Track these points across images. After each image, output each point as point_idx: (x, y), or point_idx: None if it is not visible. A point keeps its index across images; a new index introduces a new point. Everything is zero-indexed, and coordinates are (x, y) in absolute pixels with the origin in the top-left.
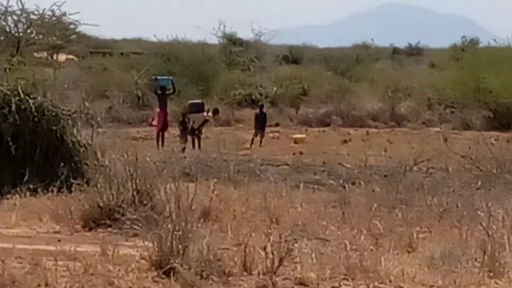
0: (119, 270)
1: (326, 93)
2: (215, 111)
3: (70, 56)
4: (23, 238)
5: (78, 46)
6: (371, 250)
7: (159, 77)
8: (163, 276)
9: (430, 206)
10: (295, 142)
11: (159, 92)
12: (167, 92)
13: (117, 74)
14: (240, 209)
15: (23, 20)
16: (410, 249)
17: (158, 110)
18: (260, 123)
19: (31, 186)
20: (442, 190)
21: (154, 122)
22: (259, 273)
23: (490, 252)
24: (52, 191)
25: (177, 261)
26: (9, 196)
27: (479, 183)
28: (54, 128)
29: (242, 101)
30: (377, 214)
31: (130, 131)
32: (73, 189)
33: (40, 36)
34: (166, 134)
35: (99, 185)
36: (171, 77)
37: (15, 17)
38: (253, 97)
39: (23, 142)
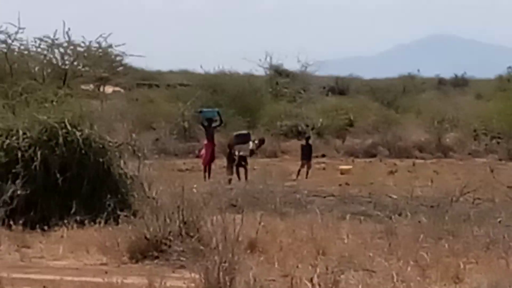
0: None
1: (372, 124)
2: (261, 141)
3: (116, 88)
4: (70, 270)
5: (124, 78)
6: (418, 281)
7: (204, 109)
8: None
9: (476, 237)
10: (341, 173)
11: (205, 124)
12: (214, 124)
13: (164, 106)
14: (287, 240)
15: (70, 52)
16: (457, 280)
17: (205, 142)
18: (306, 154)
19: (78, 218)
20: (489, 221)
21: (201, 153)
22: None
23: None
24: (99, 223)
25: None
26: (56, 228)
27: None
28: (101, 160)
29: (288, 132)
30: (423, 245)
31: (177, 162)
32: (120, 220)
33: (87, 68)
34: (213, 165)
35: (146, 217)
36: (216, 109)
37: (61, 50)
38: (299, 128)
39: (70, 174)
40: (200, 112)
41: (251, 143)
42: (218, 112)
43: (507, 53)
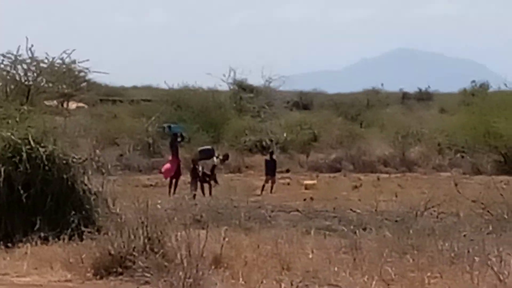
0: None
1: (337, 139)
2: (225, 157)
3: (80, 104)
4: (34, 287)
5: (88, 94)
6: None
7: (172, 125)
8: None
9: (441, 251)
10: (306, 188)
11: (173, 139)
12: (178, 140)
13: (128, 121)
14: (251, 255)
15: (33, 68)
16: None
17: (170, 157)
18: (271, 169)
19: (42, 234)
20: (453, 235)
21: (163, 169)
22: None
23: None
24: (63, 239)
25: None
26: (20, 244)
27: (490, 228)
28: (65, 176)
29: (253, 147)
30: (388, 260)
31: (141, 178)
32: (84, 237)
33: (50, 85)
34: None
35: (110, 233)
36: (181, 125)
37: (25, 66)
38: (263, 143)
39: (34, 191)
40: (168, 127)
41: (215, 158)
42: (182, 128)
43: (472, 67)
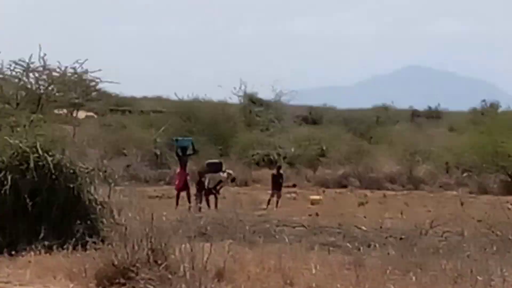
0: None
1: (344, 155)
2: (232, 180)
3: (90, 114)
4: None
5: (98, 103)
6: None
7: (179, 138)
8: None
9: (444, 271)
10: (312, 203)
11: (180, 152)
12: (188, 153)
13: (136, 132)
14: (255, 270)
15: (45, 77)
16: None
17: (178, 170)
18: (277, 183)
19: (46, 243)
20: (457, 255)
21: (176, 182)
22: None
23: None
24: (67, 249)
25: None
26: (24, 252)
27: (495, 248)
28: (71, 185)
29: (260, 161)
30: (391, 278)
31: (148, 189)
32: (88, 247)
33: (61, 94)
34: (184, 194)
35: (114, 244)
36: (190, 138)
37: (36, 74)
38: (271, 157)
39: (40, 199)
40: (176, 140)
41: (221, 173)
42: (192, 142)
43: (482, 87)
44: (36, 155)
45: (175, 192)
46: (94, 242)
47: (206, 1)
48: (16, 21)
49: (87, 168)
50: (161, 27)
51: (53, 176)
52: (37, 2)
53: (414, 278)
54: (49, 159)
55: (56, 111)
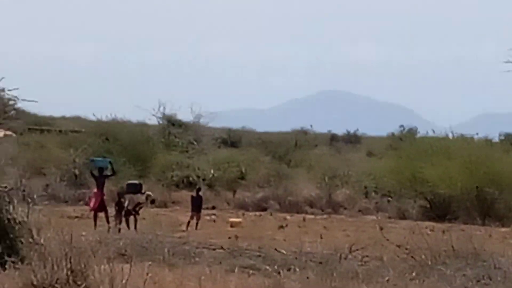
0: None
1: (264, 178)
2: (152, 201)
3: (8, 132)
4: None
5: (16, 122)
6: None
7: (96, 158)
8: None
9: None
10: (231, 226)
11: (96, 173)
12: (105, 173)
13: (55, 151)
14: None
15: None
16: None
17: (94, 190)
18: (197, 205)
19: None
20: (377, 280)
21: (91, 203)
22: None
23: None
24: None
25: None
26: None
27: (414, 273)
28: None
29: (180, 182)
30: None
31: (67, 209)
32: (7, 266)
33: None
34: (101, 214)
35: (33, 263)
36: (108, 159)
37: None
38: (191, 179)
39: None
40: (92, 161)
41: (139, 195)
42: (110, 162)
43: (400, 112)
44: None
45: (92, 213)
46: (13, 262)
47: (122, 23)
48: None
49: (5, 187)
50: (76, 49)
51: None
52: None
53: None
54: None
55: None
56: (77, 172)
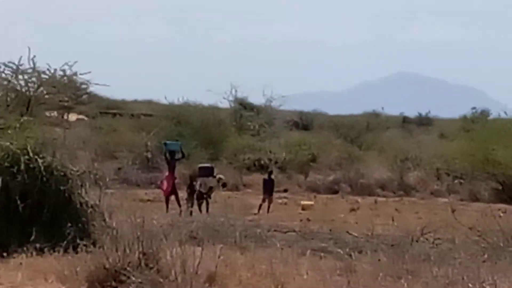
0: None
1: (335, 160)
2: (224, 185)
3: (80, 116)
4: None
5: (88, 106)
6: None
7: (168, 142)
8: None
9: (436, 277)
10: (303, 209)
11: (168, 156)
12: (176, 157)
13: (127, 135)
14: (246, 274)
15: (34, 79)
16: None
17: (166, 173)
18: (268, 188)
19: (38, 246)
20: (449, 262)
21: (164, 187)
22: None
23: None
24: (59, 251)
25: None
26: (15, 255)
27: (486, 255)
28: (62, 188)
29: (251, 166)
30: (382, 284)
31: (139, 193)
32: (79, 249)
33: (51, 96)
34: (173, 197)
35: (105, 247)
36: (179, 142)
37: (26, 76)
38: (262, 162)
39: (31, 201)
40: (165, 144)
41: (211, 178)
42: (180, 146)
43: (472, 94)
44: (26, 157)
45: (163, 195)
46: (85, 245)
47: (194, 5)
48: (4, 23)
49: (78, 171)
50: (148, 32)
51: (44, 179)
52: (27, 3)
53: (405, 284)
54: (40, 161)
55: (46, 113)
56: (149, 155)
